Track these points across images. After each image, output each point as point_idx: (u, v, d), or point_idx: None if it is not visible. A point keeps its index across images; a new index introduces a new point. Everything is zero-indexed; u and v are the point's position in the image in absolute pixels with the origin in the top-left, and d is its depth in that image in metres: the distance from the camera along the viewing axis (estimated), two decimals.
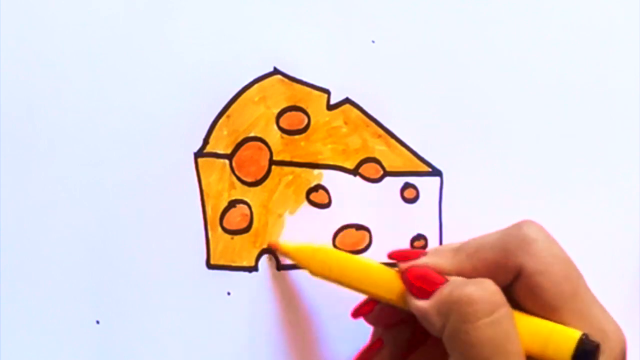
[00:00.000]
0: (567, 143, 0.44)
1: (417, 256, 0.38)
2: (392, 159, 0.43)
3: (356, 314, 0.40)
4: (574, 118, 0.44)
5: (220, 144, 0.42)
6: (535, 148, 0.43)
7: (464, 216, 0.43)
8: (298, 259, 0.41)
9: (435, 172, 0.43)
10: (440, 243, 0.43)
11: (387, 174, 0.43)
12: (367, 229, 0.43)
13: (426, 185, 0.43)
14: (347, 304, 0.43)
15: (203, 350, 0.42)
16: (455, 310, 0.35)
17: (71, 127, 0.41)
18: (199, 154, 0.42)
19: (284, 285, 0.42)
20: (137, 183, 0.41)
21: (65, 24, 0.41)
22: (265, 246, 0.42)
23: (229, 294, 0.42)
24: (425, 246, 0.43)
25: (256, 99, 0.42)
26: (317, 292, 0.42)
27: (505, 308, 0.35)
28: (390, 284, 0.38)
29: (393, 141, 0.43)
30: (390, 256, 0.39)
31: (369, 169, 0.43)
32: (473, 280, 0.36)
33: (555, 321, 0.36)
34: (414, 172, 0.43)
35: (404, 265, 0.38)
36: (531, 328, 0.36)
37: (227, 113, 0.42)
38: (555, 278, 0.36)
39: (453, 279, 0.37)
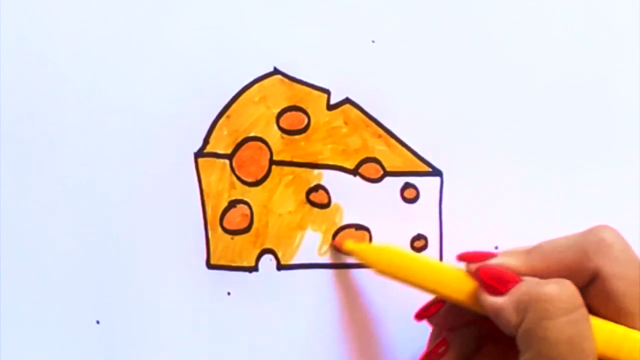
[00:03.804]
0: (567, 143, 0.43)
1: (488, 257, 0.38)
2: (392, 159, 0.43)
3: (421, 315, 0.40)
4: (574, 118, 0.43)
5: (221, 144, 0.42)
6: (535, 148, 0.43)
7: (464, 216, 0.43)
8: (364, 259, 0.40)
9: (435, 172, 0.43)
10: (441, 243, 0.43)
11: (387, 174, 0.43)
12: (367, 229, 0.43)
13: (426, 185, 0.43)
14: (348, 304, 0.43)
15: (203, 350, 0.42)
16: (534, 306, 0.34)
17: (71, 127, 0.41)
18: (199, 154, 0.42)
19: (284, 285, 0.42)
20: (138, 183, 0.41)
21: (65, 24, 0.41)
22: (265, 246, 0.42)
23: (229, 294, 0.42)
24: (425, 246, 0.43)
25: (256, 99, 0.42)
26: (317, 293, 0.42)
27: (583, 309, 0.35)
28: (459, 284, 0.38)
29: (393, 141, 0.43)
30: (460, 257, 0.39)
31: (369, 169, 0.43)
32: (552, 279, 0.36)
33: (628, 326, 0.36)
34: (414, 172, 0.43)
35: (474, 265, 0.38)
36: (605, 331, 0.36)
37: (227, 113, 0.42)
38: (631, 282, 0.36)
39: (527, 278, 0.36)
